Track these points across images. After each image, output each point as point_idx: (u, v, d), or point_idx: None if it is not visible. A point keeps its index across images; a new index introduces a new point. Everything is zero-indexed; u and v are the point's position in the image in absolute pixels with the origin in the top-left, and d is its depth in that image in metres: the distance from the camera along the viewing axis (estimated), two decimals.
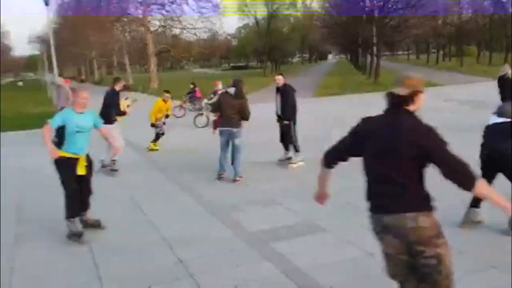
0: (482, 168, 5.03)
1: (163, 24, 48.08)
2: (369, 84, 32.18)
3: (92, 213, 5.84)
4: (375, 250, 4.72)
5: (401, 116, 2.80)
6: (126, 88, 40.61)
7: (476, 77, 31.68)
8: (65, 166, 5.36)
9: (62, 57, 67.05)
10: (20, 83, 77.24)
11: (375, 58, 36.19)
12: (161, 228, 5.79)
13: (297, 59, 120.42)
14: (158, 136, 11.35)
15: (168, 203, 7.02)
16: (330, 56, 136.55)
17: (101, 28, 45.44)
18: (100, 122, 5.86)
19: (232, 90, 7.98)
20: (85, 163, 5.53)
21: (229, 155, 8.28)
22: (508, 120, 4.97)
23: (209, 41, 63.98)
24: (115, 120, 8.72)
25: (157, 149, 11.28)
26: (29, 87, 61.26)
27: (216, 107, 8.69)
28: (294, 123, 8.90)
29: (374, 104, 20.78)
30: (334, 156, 3.24)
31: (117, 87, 8.95)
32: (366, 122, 3.02)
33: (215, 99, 15.14)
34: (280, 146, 9.28)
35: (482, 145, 5.19)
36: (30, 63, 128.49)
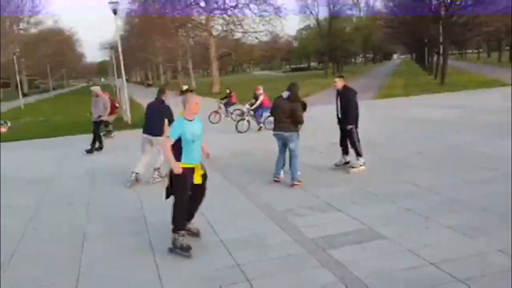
0: None
1: (225, 28, 49.01)
2: (435, 85, 31.01)
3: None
4: (437, 259, 4.58)
5: None
6: (190, 92, 41.87)
7: None
8: (182, 176, 5.17)
9: (130, 63, 70.33)
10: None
11: (441, 58, 34.75)
12: (220, 231, 5.91)
13: (360, 59, 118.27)
14: None
15: (226, 205, 7.14)
16: (394, 56, 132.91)
17: (166, 34, 47.20)
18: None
19: (286, 94, 7.97)
20: (201, 172, 5.40)
21: (286, 158, 8.28)
22: None
23: (270, 43, 64.35)
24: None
25: None
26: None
27: (271, 111, 8.66)
28: (356, 127, 8.72)
29: (440, 105, 20.15)
30: None
31: (164, 97, 8.86)
32: None
33: (257, 104, 15.20)
34: (339, 149, 9.15)
35: None
36: (101, 68, 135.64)
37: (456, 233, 5.28)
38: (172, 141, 5.11)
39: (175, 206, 5.29)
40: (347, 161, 8.95)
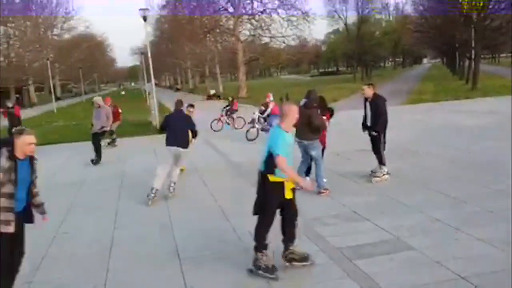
0: None
1: (252, 33, 49.26)
2: (467, 90, 30.34)
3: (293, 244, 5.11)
4: (467, 273, 4.46)
5: None
6: (217, 97, 42.19)
7: None
8: (275, 190, 4.83)
9: (160, 68, 71.45)
10: (123, 92, 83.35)
11: (473, 62, 33.98)
12: (246, 239, 5.90)
13: (389, 63, 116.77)
14: None
15: (251, 211, 7.12)
16: (424, 60, 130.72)
17: (195, 40, 47.81)
18: None
19: (303, 102, 7.91)
20: (292, 185, 4.95)
21: (308, 166, 8.22)
22: None
23: (297, 47, 64.28)
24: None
25: (183, 170, 9.83)
26: (131, 95, 65.79)
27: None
28: (384, 135, 8.57)
29: (472, 111, 19.62)
30: None
31: (183, 108, 8.85)
32: None
33: (268, 111, 15.08)
34: (367, 156, 9.04)
35: None
36: (132, 73, 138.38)
37: (488, 245, 5.13)
38: (284, 158, 4.70)
39: (261, 221, 4.92)
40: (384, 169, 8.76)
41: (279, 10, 46.14)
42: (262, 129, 14.79)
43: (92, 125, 12.64)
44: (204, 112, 18.14)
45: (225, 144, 14.20)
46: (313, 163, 8.18)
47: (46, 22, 61.24)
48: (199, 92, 57.44)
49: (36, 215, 4.55)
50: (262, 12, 46.97)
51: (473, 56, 34.22)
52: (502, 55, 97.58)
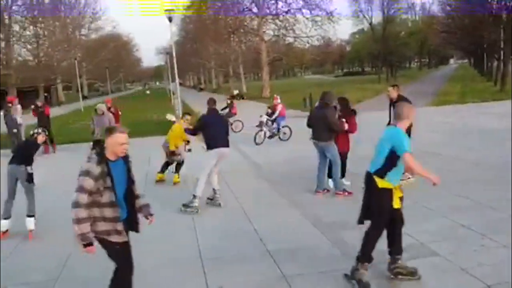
0: None
1: (276, 33, 49.24)
2: (494, 92, 29.58)
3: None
4: (493, 281, 4.38)
5: None
6: (240, 97, 42.31)
7: None
8: (387, 197, 4.50)
9: (184, 67, 72.15)
10: (148, 91, 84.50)
11: (502, 63, 33.19)
12: (267, 241, 5.93)
13: (415, 64, 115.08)
14: (179, 165, 9.78)
15: (271, 214, 7.18)
16: (451, 61, 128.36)
17: (219, 40, 48.10)
18: None
19: (318, 103, 7.95)
20: (400, 194, 4.64)
21: (325, 168, 8.20)
22: None
23: (322, 47, 63.95)
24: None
25: (179, 181, 9.69)
26: (155, 95, 66.59)
27: (307, 122, 8.32)
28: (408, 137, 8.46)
29: (500, 114, 19.14)
30: None
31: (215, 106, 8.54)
32: None
33: (276, 114, 14.98)
34: None
35: None
36: (157, 73, 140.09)
37: None
38: (411, 156, 4.43)
39: (371, 232, 4.60)
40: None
41: (304, 10, 46.00)
42: (270, 137, 14.71)
43: (92, 132, 12.59)
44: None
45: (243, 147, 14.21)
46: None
47: (74, 22, 62.45)
48: (222, 92, 57.73)
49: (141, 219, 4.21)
50: (286, 12, 46.91)
51: (502, 57, 33.43)
52: None
